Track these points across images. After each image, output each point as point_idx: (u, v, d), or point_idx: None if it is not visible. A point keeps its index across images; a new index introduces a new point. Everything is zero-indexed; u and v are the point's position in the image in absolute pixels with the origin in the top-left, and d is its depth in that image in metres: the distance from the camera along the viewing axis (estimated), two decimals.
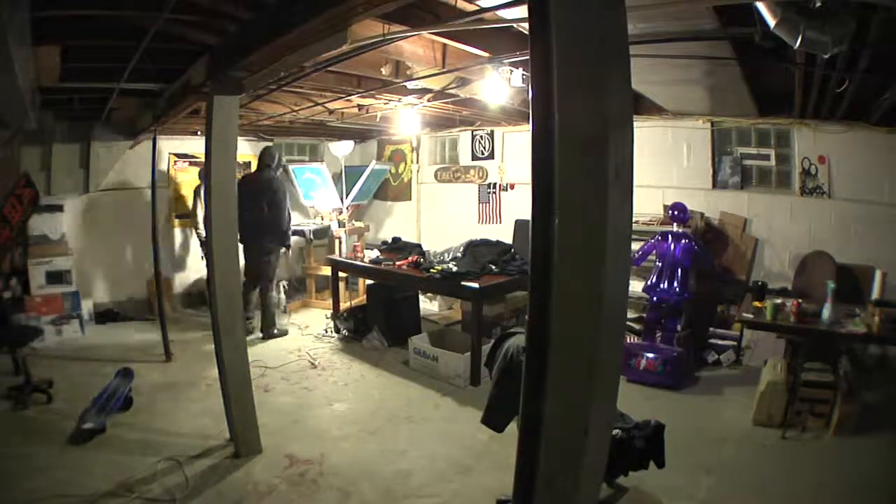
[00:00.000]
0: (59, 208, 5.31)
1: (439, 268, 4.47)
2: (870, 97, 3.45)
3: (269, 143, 6.39)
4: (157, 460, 2.92)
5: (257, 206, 4.94)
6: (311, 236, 6.29)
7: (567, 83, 1.06)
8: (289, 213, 5.20)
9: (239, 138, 3.17)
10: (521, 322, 4.84)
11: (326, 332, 5.41)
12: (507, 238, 5.59)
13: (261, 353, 4.64)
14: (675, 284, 4.30)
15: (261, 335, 5.14)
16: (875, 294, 3.58)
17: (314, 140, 7.41)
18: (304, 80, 3.43)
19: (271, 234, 5.07)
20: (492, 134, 6.43)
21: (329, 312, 5.64)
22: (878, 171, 4.10)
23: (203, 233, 5.37)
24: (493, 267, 4.46)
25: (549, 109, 1.06)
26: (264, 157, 5.23)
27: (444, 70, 3.26)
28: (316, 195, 6.50)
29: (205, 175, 2.92)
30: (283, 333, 5.28)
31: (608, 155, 1.09)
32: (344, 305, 5.60)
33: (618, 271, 1.18)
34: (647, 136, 4.94)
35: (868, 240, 4.15)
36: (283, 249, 5.27)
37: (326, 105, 4.57)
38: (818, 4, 1.83)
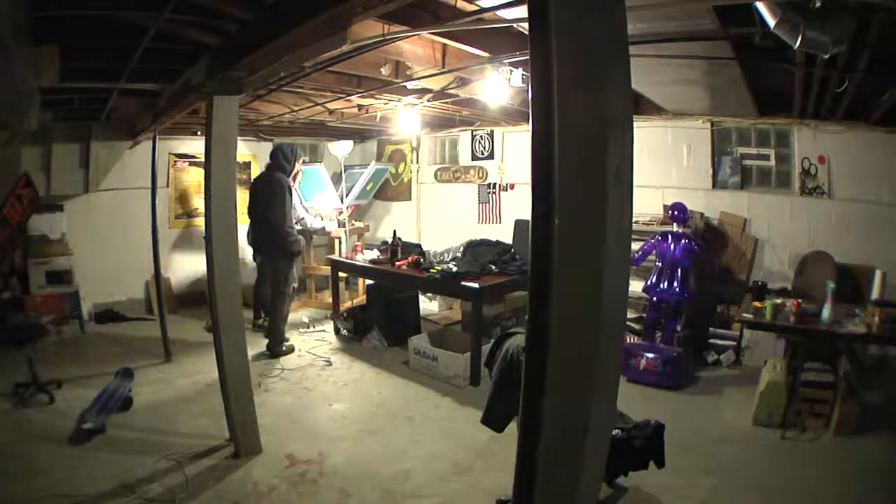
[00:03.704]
0: (59, 208, 5.32)
1: (439, 268, 4.47)
2: (870, 97, 3.45)
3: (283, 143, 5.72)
4: (157, 460, 2.92)
5: (260, 209, 4.64)
6: (311, 235, 6.29)
7: (567, 83, 1.06)
8: (286, 215, 4.61)
9: (239, 138, 3.17)
10: (521, 322, 4.84)
11: (310, 328, 5.46)
12: (507, 238, 5.59)
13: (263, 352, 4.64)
14: (675, 284, 4.30)
15: (267, 352, 4.63)
16: (875, 294, 3.58)
17: (314, 140, 7.41)
18: (304, 80, 3.44)
19: (273, 239, 4.61)
20: (492, 134, 6.43)
21: (329, 312, 5.65)
22: (878, 171, 4.10)
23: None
24: (493, 267, 4.46)
25: (549, 109, 1.06)
26: (276, 156, 4.79)
27: (444, 70, 3.27)
28: (315, 196, 6.51)
29: (205, 175, 2.92)
30: (290, 350, 4.75)
31: (608, 155, 1.09)
32: (344, 305, 5.61)
33: (618, 271, 1.18)
34: (647, 136, 4.94)
35: (868, 240, 4.15)
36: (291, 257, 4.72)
37: (326, 105, 4.57)
38: (818, 4, 1.83)
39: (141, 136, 5.17)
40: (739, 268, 4.71)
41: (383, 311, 5.01)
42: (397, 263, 4.86)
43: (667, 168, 5.04)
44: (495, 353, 2.65)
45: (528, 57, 1.15)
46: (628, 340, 4.48)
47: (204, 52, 2.83)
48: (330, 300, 5.63)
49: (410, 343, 4.42)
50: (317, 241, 6.52)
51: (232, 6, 2.22)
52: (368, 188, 6.81)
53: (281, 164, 4.77)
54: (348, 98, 4.22)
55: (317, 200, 6.52)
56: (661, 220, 4.91)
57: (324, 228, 5.98)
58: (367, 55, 2.92)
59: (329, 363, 4.56)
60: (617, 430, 2.39)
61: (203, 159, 2.93)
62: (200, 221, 5.04)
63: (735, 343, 4.43)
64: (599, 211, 1.10)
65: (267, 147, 6.83)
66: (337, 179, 6.70)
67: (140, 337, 5.11)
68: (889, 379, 3.91)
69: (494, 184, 6.45)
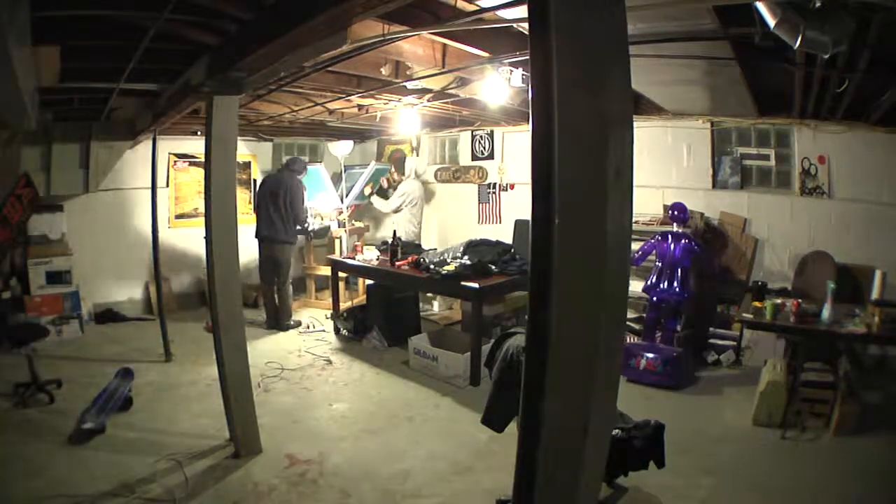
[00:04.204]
0: (59, 208, 5.32)
1: (439, 268, 4.46)
2: (870, 97, 3.45)
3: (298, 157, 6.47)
4: (156, 460, 2.92)
5: (274, 204, 5.31)
6: (311, 234, 6.29)
7: (567, 83, 1.05)
8: (295, 211, 5.42)
9: (239, 138, 3.17)
10: (521, 322, 4.84)
11: (310, 328, 5.49)
12: (507, 238, 5.59)
13: (263, 352, 4.64)
14: (675, 284, 4.30)
15: (274, 328, 5.41)
16: (875, 294, 3.58)
17: (314, 140, 7.41)
18: (304, 80, 3.44)
19: (285, 229, 5.38)
20: (492, 134, 6.42)
21: (329, 312, 5.65)
22: (878, 171, 4.10)
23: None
24: (493, 267, 4.45)
25: (549, 109, 1.06)
26: (289, 163, 5.63)
27: (444, 70, 3.27)
28: (315, 196, 6.51)
29: (205, 175, 2.92)
30: (298, 324, 5.54)
31: (608, 155, 1.09)
32: (344, 305, 5.61)
33: (618, 271, 1.18)
34: (647, 136, 4.93)
35: (868, 240, 4.15)
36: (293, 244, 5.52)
37: (326, 105, 4.58)
38: (818, 4, 1.83)
39: (141, 136, 5.17)
40: (739, 268, 4.71)
41: (383, 311, 5.01)
42: (397, 263, 4.86)
43: (667, 168, 5.03)
44: (495, 353, 2.65)
45: (528, 57, 1.15)
46: (628, 340, 4.48)
47: (204, 52, 2.83)
48: (330, 300, 5.64)
49: (410, 343, 4.42)
50: (317, 241, 6.51)
51: (232, 6, 2.22)
52: (366, 191, 6.76)
53: (296, 169, 5.57)
54: (348, 98, 4.22)
55: (317, 200, 6.52)
56: (661, 220, 4.90)
57: (328, 228, 6.19)
58: (367, 55, 2.92)
59: (329, 363, 4.56)
60: (617, 430, 2.39)
61: (203, 159, 2.93)
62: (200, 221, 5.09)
63: (735, 343, 4.43)
64: (599, 211, 1.10)
65: (267, 147, 6.88)
66: (337, 179, 6.70)
67: (140, 337, 5.10)
68: (889, 379, 3.91)
69: (494, 184, 6.45)
